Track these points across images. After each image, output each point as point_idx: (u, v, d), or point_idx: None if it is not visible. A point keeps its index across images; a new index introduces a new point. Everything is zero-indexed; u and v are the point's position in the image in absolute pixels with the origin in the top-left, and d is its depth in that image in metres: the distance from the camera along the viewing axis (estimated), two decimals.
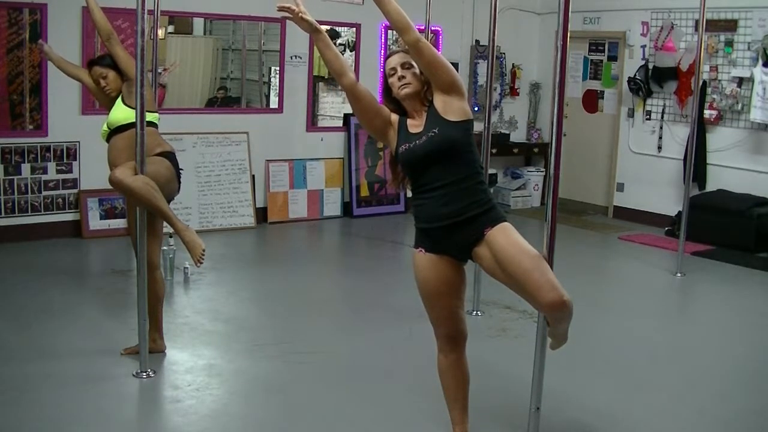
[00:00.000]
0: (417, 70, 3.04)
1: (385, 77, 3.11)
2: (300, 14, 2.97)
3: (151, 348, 4.16)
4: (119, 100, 4.23)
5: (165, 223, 4.16)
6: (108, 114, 4.28)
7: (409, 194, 3.19)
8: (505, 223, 2.99)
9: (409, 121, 3.10)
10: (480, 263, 3.05)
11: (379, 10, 2.94)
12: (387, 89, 3.13)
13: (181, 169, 4.33)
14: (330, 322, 5.23)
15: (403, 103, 3.09)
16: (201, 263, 4.08)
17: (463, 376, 3.21)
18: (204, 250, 4.04)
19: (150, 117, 4.06)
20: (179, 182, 4.30)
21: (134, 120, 3.89)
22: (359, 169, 8.41)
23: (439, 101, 3.02)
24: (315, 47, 3.15)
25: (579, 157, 9.04)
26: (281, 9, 2.99)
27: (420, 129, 3.04)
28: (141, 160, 3.90)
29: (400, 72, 3.04)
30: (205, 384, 4.00)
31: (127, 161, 4.01)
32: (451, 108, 3.00)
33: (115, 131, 4.21)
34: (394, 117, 3.13)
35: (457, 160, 2.99)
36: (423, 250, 3.07)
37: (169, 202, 4.09)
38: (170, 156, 4.23)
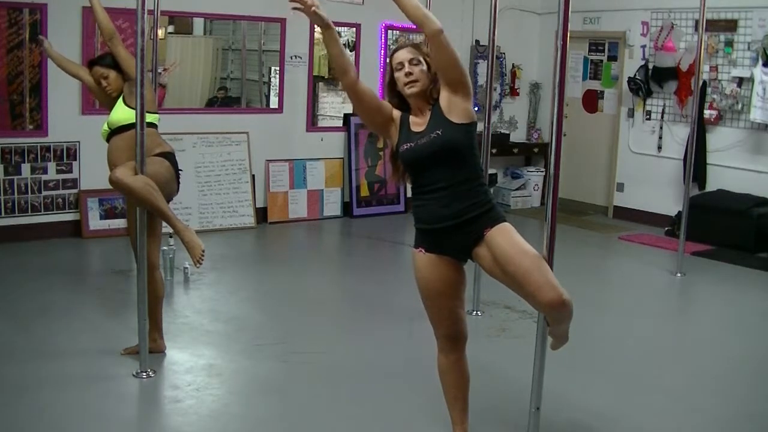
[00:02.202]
0: (425, 67, 3.01)
1: (390, 70, 3.06)
2: (312, 8, 2.94)
3: (151, 348, 4.16)
4: (120, 100, 4.22)
5: (165, 223, 4.16)
6: (108, 113, 4.28)
7: (410, 193, 3.18)
8: (505, 223, 2.98)
9: (411, 118, 3.07)
10: (480, 263, 3.04)
11: (399, 9, 2.88)
12: (391, 83, 3.09)
13: (180, 170, 4.33)
14: (330, 322, 5.23)
15: (408, 99, 3.07)
16: (200, 264, 4.07)
17: (463, 377, 3.21)
18: (204, 251, 4.04)
19: (150, 118, 4.06)
20: (178, 183, 4.30)
21: (135, 121, 3.89)
22: (359, 169, 8.41)
23: (445, 100, 2.99)
24: (322, 43, 3.08)
25: (579, 157, 9.04)
26: (294, 1, 2.93)
27: (423, 128, 3.02)
28: (141, 160, 3.90)
29: (407, 68, 2.99)
30: (205, 384, 4.00)
31: (127, 161, 4.01)
32: (456, 109, 2.98)
33: (115, 131, 4.21)
34: (396, 113, 3.11)
35: (458, 161, 2.98)
36: (423, 250, 3.06)
37: (168, 202, 4.09)
38: (170, 156, 4.23)
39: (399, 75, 3.02)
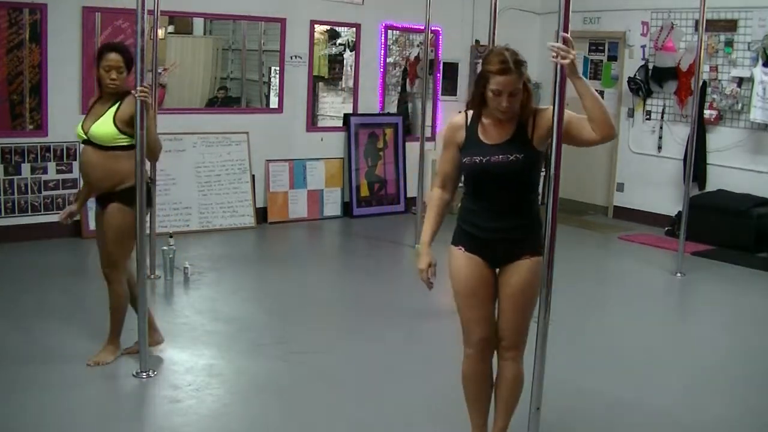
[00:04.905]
0: (521, 94, 2.89)
1: (483, 81, 2.89)
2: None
3: (149, 342, 4.15)
4: (111, 113, 3.99)
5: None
6: (87, 112, 4.14)
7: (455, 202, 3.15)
8: (539, 258, 2.91)
9: (482, 126, 3.00)
10: (499, 276, 3.06)
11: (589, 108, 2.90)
12: (480, 95, 2.92)
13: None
14: (330, 322, 5.23)
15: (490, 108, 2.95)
16: (90, 366, 4.09)
17: (490, 386, 3.18)
18: (105, 364, 4.10)
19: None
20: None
21: (116, 144, 3.96)
22: (359, 169, 8.41)
23: (543, 133, 2.93)
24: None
25: (579, 157, 9.00)
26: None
27: (499, 141, 2.96)
28: (141, 160, 3.91)
29: (506, 101, 2.85)
30: (205, 384, 4.00)
31: (102, 179, 4.03)
32: (545, 141, 2.94)
33: (93, 143, 4.04)
34: (460, 137, 3.03)
35: (526, 183, 2.99)
36: (463, 249, 3.05)
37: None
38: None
39: (492, 97, 2.87)
